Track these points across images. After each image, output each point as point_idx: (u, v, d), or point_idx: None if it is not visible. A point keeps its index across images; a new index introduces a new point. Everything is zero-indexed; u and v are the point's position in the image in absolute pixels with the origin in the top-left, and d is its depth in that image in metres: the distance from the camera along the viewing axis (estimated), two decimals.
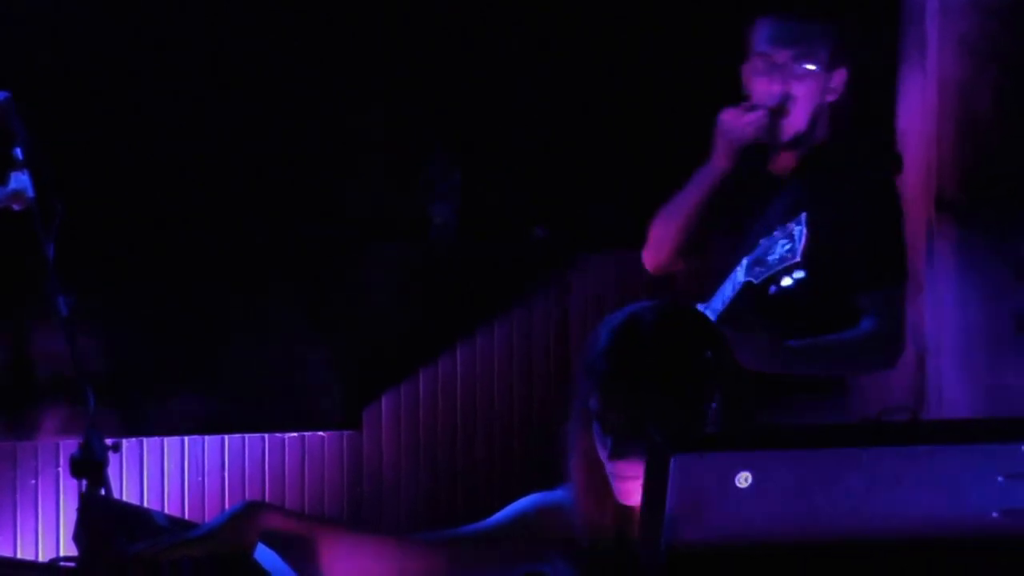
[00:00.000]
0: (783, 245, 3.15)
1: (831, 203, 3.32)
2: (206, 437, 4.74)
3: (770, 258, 3.18)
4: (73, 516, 2.53)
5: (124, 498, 4.47)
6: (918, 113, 4.83)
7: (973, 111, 4.70)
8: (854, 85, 4.96)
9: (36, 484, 4.59)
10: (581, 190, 5.09)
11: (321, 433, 4.84)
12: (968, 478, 1.74)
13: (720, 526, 1.70)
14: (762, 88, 3.42)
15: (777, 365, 3.21)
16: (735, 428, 2.23)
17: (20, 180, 3.79)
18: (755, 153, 3.44)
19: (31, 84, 3.90)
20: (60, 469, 4.56)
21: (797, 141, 3.42)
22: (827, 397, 3.36)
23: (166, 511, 4.37)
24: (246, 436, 4.77)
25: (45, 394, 4.55)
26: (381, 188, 5.03)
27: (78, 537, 2.42)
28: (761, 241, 3.24)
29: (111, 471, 3.78)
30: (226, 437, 4.76)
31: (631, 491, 2.26)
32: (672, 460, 1.68)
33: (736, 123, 3.40)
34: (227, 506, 3.91)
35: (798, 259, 3.11)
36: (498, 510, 2.42)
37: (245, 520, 2.25)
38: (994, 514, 1.76)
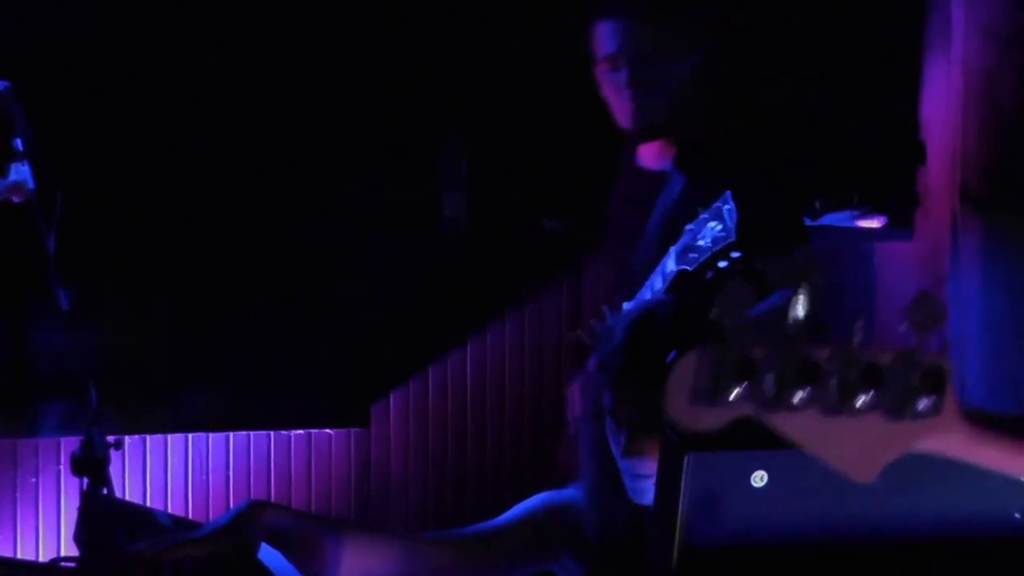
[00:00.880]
0: (714, 227, 3.13)
1: (709, 191, 3.30)
2: (211, 434, 4.72)
3: (702, 243, 3.16)
4: (74, 515, 2.49)
5: (126, 497, 4.51)
6: (942, 102, 4.81)
7: (999, 100, 4.67)
8: (876, 74, 4.91)
9: (37, 482, 4.58)
10: (594, 182, 5.06)
11: (328, 431, 4.82)
12: (990, 477, 1.69)
13: (735, 526, 1.67)
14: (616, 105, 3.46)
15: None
16: (751, 425, 2.21)
17: (20, 171, 3.83)
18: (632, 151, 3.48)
19: (32, 82, 3.93)
20: (61, 467, 4.54)
21: (648, 135, 3.45)
22: None
23: (169, 510, 4.37)
24: (251, 433, 4.76)
25: (46, 390, 4.53)
26: (389, 179, 5.01)
27: (79, 537, 2.45)
28: (687, 228, 3.22)
29: (113, 469, 3.81)
30: (231, 434, 4.74)
31: (644, 489, 2.26)
32: (686, 458, 1.65)
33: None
34: (232, 505, 3.88)
35: (733, 238, 3.10)
36: (509, 508, 2.41)
37: (249, 520, 2.24)
38: (1017, 515, 1.72)
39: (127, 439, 4.48)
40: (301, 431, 4.78)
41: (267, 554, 2.25)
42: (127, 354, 4.62)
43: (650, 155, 3.47)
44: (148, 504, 4.51)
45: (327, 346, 4.84)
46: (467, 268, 4.95)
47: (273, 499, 4.65)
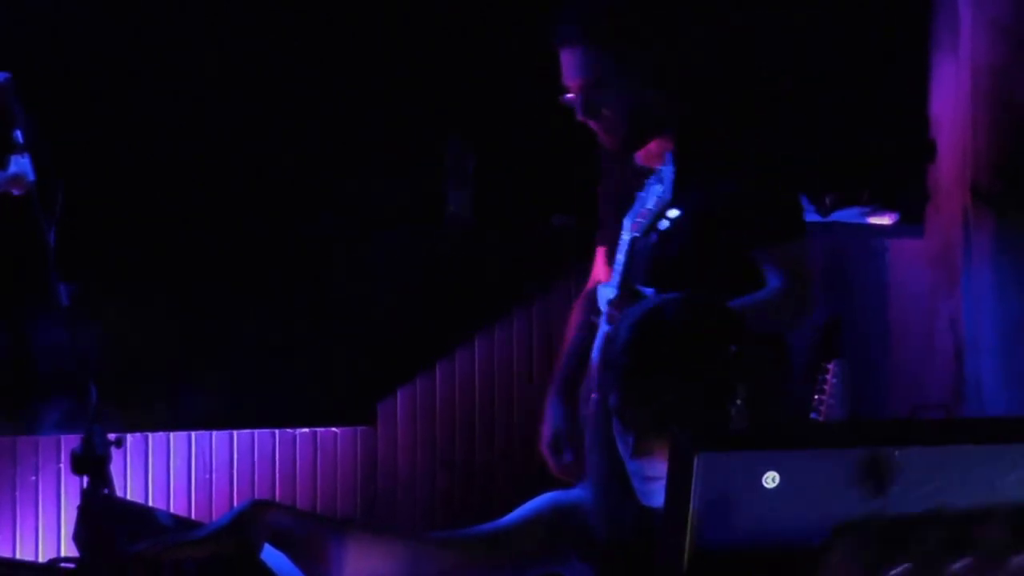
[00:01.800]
0: (656, 190, 3.21)
1: (701, 177, 3.36)
2: (214, 432, 4.72)
3: (647, 207, 3.24)
4: (74, 514, 2.47)
5: (128, 496, 4.53)
6: (951, 99, 4.80)
7: (1009, 97, 4.67)
8: (883, 71, 4.90)
9: (36, 481, 4.57)
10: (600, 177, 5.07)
11: (334, 429, 4.82)
12: (1007, 479, 1.69)
13: (746, 527, 1.65)
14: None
15: None
16: (762, 425, 2.20)
17: (20, 164, 3.85)
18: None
19: (33, 75, 3.95)
20: (61, 465, 4.54)
21: (629, 145, 3.47)
22: (768, 354, 3.37)
23: (172, 510, 4.36)
24: (256, 432, 4.75)
25: (46, 387, 4.54)
26: (396, 178, 5.01)
27: (79, 536, 2.41)
28: (637, 195, 3.30)
29: (114, 467, 3.81)
30: (235, 433, 4.74)
31: (653, 491, 2.25)
32: (696, 458, 1.63)
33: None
34: (236, 505, 3.87)
35: (669, 196, 3.16)
36: (516, 507, 2.40)
37: (251, 520, 2.21)
38: None
39: (129, 437, 4.48)
40: (306, 429, 4.78)
41: (270, 555, 2.23)
42: (129, 351, 4.63)
43: (643, 155, 3.49)
44: (150, 503, 4.51)
45: (332, 344, 4.85)
46: (474, 265, 4.96)
47: (278, 499, 4.65)
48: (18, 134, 3.81)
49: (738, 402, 2.26)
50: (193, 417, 4.70)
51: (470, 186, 4.98)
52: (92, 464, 3.70)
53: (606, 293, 3.26)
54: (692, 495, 1.63)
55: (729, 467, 1.64)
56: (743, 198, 3.36)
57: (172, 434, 4.67)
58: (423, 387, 4.85)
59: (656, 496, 2.24)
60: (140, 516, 2.49)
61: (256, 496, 4.60)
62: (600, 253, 3.72)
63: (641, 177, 3.40)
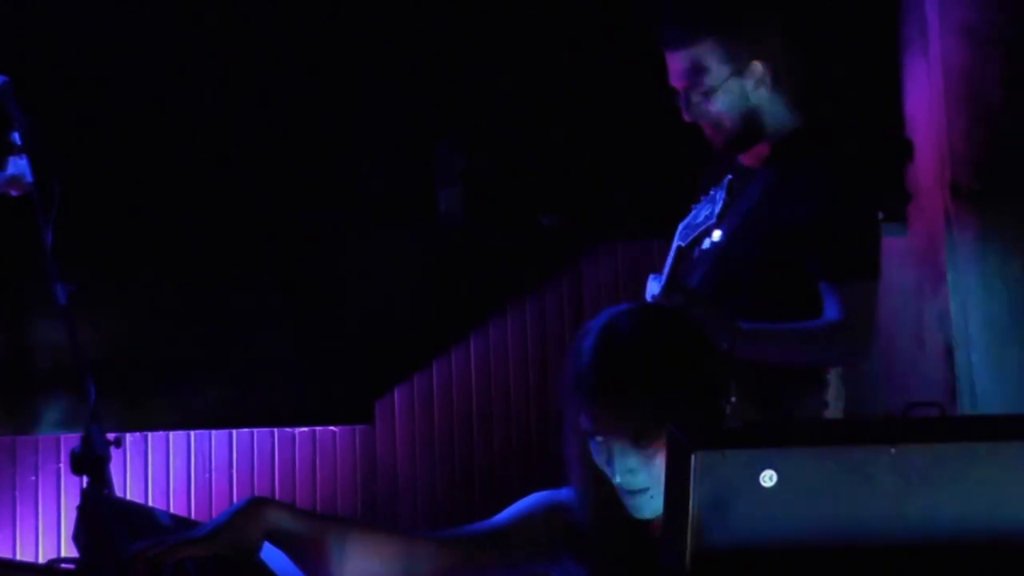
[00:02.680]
0: (707, 208, 3.23)
1: (794, 188, 3.33)
2: (213, 432, 4.71)
3: (696, 221, 3.25)
4: (74, 514, 2.47)
5: (127, 495, 4.52)
6: (925, 100, 4.82)
7: (982, 97, 4.69)
8: (855, 70, 4.90)
9: (36, 480, 4.57)
10: (591, 177, 5.08)
11: (332, 428, 4.81)
12: (1002, 477, 1.70)
13: (743, 527, 1.66)
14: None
15: (728, 345, 3.18)
16: (759, 424, 2.22)
17: (18, 165, 3.86)
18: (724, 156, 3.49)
19: (30, 79, 3.93)
20: (61, 465, 4.53)
21: (736, 147, 3.43)
22: (805, 389, 3.33)
23: (171, 509, 4.36)
24: (255, 431, 4.74)
25: (45, 387, 4.55)
26: (386, 175, 4.99)
27: (78, 536, 2.40)
28: (693, 207, 3.30)
29: (114, 467, 3.80)
30: (234, 432, 4.73)
31: (641, 505, 2.25)
32: (693, 457, 1.65)
33: None
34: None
35: (714, 221, 3.18)
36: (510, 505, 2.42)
37: (250, 518, 2.22)
38: None
39: (128, 436, 4.49)
40: (305, 428, 4.77)
41: (269, 553, 2.23)
42: (128, 350, 4.63)
43: (748, 156, 3.46)
44: (149, 503, 4.50)
45: (330, 342, 4.84)
46: (469, 263, 4.95)
47: (277, 497, 4.63)
48: (16, 136, 3.81)
49: (732, 400, 2.25)
50: (192, 416, 4.70)
51: (461, 185, 4.97)
52: (91, 464, 3.70)
53: (652, 288, 3.25)
54: (691, 494, 1.64)
55: (726, 466, 1.65)
56: (824, 223, 3.28)
57: (171, 433, 4.66)
58: (420, 385, 4.84)
59: (646, 508, 2.26)
60: (140, 516, 2.49)
61: (255, 495, 4.60)
62: None
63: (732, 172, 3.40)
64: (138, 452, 4.62)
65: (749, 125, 3.39)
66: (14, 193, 3.83)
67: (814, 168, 3.34)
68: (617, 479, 2.25)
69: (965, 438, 1.73)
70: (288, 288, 4.83)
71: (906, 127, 4.92)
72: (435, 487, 4.85)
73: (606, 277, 4.97)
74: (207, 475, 4.69)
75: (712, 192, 3.28)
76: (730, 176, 3.38)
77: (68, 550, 4.26)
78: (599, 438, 2.25)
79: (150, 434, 4.64)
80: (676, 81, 3.41)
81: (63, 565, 2.38)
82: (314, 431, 4.78)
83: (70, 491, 4.52)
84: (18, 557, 4.39)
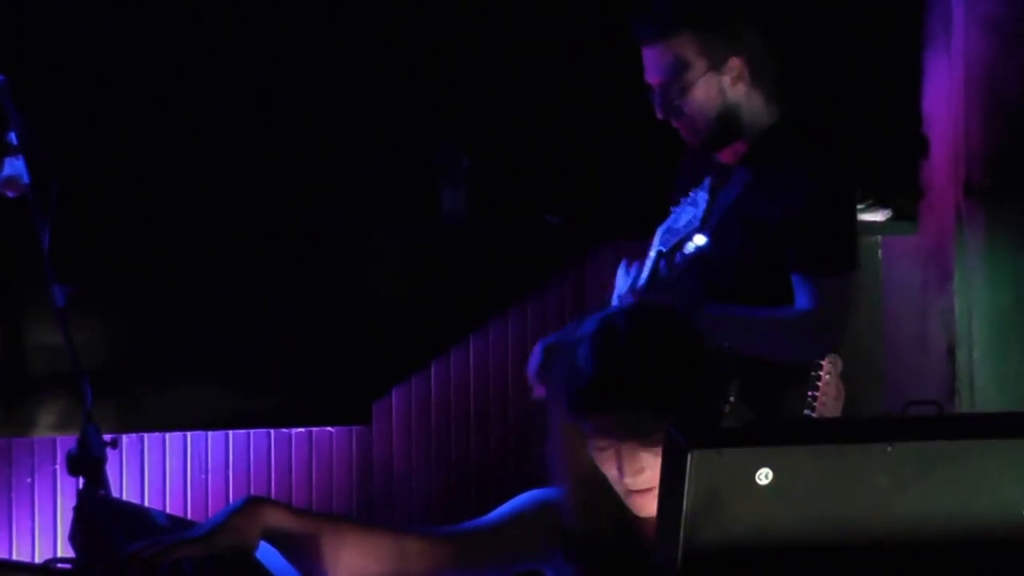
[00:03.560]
0: (688, 211, 3.20)
1: (772, 184, 3.30)
2: (209, 433, 4.69)
3: (678, 225, 3.22)
4: (70, 515, 2.47)
5: (124, 496, 4.51)
6: (943, 96, 4.81)
7: (1001, 93, 4.68)
8: (875, 67, 4.89)
9: (32, 482, 4.56)
10: (595, 176, 5.07)
11: (329, 429, 4.79)
12: (997, 474, 1.71)
13: (740, 525, 1.66)
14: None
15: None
16: (755, 422, 2.19)
17: (14, 166, 3.86)
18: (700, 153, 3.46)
19: (29, 73, 3.88)
20: (57, 466, 4.52)
21: (713, 144, 3.40)
22: (801, 389, 3.27)
23: (168, 510, 4.36)
24: (251, 431, 4.73)
25: (41, 388, 4.53)
26: (389, 175, 4.98)
27: (75, 537, 2.41)
28: (672, 210, 3.28)
29: (110, 468, 3.80)
30: (230, 433, 4.71)
31: (646, 504, 2.25)
32: (689, 456, 1.64)
33: None
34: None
35: (697, 224, 3.15)
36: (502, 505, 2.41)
37: (247, 517, 2.22)
38: None
39: (124, 438, 4.50)
40: (301, 429, 4.76)
41: (266, 553, 2.23)
42: (124, 351, 4.62)
43: (726, 153, 3.43)
44: (146, 504, 4.50)
45: (327, 343, 4.83)
46: (468, 264, 4.93)
47: (273, 498, 4.62)
48: (12, 136, 3.81)
49: (731, 399, 2.25)
50: (189, 417, 4.68)
51: (464, 185, 4.97)
52: (88, 465, 3.70)
53: (620, 285, 3.24)
54: (686, 492, 1.64)
55: (722, 464, 1.65)
56: (800, 217, 3.25)
57: (167, 434, 4.65)
58: (418, 386, 4.83)
59: (649, 507, 2.24)
60: (136, 516, 2.50)
61: (251, 495, 4.59)
62: None
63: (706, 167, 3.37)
64: (134, 453, 4.61)
65: (726, 122, 3.35)
66: (10, 194, 3.83)
67: (790, 164, 3.31)
68: (626, 480, 2.24)
69: (960, 436, 1.73)
70: (287, 288, 4.82)
71: (923, 124, 4.90)
72: (432, 488, 4.84)
73: (609, 277, 4.96)
74: (203, 476, 4.68)
75: (692, 194, 3.25)
76: (710, 177, 3.33)
77: (64, 551, 4.25)
78: (604, 443, 2.24)
79: (146, 435, 4.63)
80: (652, 77, 3.38)
81: (60, 566, 2.37)
82: (311, 432, 4.77)
83: (66, 492, 4.51)
84: (15, 558, 4.39)
